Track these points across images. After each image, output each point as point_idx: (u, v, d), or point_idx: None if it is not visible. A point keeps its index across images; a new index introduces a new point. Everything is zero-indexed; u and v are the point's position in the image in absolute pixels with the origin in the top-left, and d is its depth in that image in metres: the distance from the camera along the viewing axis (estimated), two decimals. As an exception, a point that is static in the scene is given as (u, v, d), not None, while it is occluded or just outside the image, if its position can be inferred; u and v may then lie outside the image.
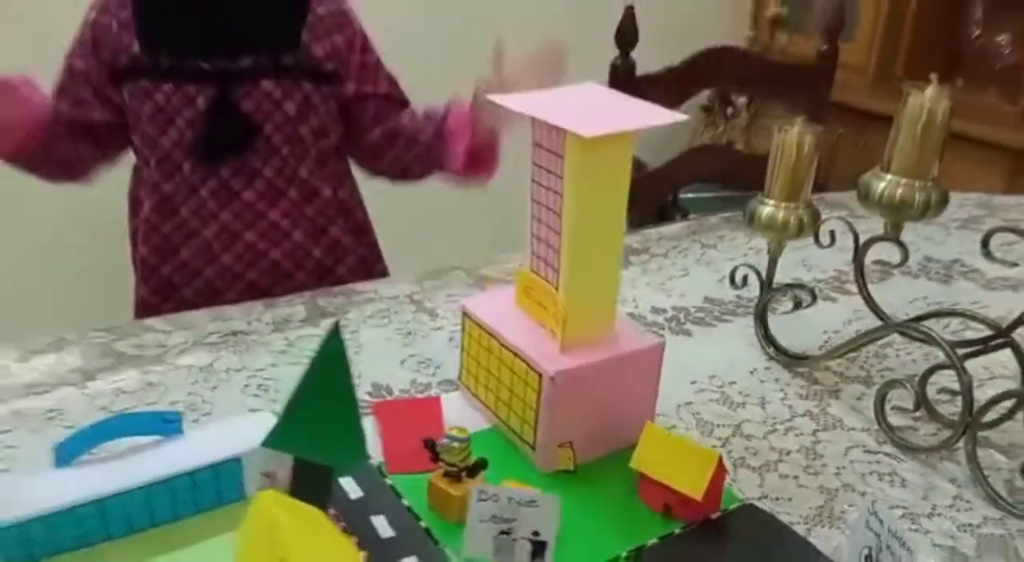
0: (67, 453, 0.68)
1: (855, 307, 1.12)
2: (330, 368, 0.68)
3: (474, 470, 0.73)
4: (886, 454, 0.85)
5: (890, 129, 0.87)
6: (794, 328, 1.05)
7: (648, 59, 1.45)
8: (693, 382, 0.96)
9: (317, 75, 1.15)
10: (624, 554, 0.70)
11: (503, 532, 0.64)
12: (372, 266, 1.32)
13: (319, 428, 0.68)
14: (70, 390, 0.87)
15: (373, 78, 1.22)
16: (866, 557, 0.63)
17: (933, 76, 0.83)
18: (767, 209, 0.96)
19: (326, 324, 1.04)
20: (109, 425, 0.70)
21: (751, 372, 0.99)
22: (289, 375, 0.94)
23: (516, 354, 0.79)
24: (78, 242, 2.02)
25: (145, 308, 1.21)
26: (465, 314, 0.87)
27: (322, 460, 0.68)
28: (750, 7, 2.85)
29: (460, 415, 0.86)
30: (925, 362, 0.99)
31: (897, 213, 0.86)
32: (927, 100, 0.83)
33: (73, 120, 1.14)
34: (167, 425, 0.72)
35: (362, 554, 0.60)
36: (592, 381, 0.78)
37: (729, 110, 2.72)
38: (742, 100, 2.70)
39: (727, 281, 1.12)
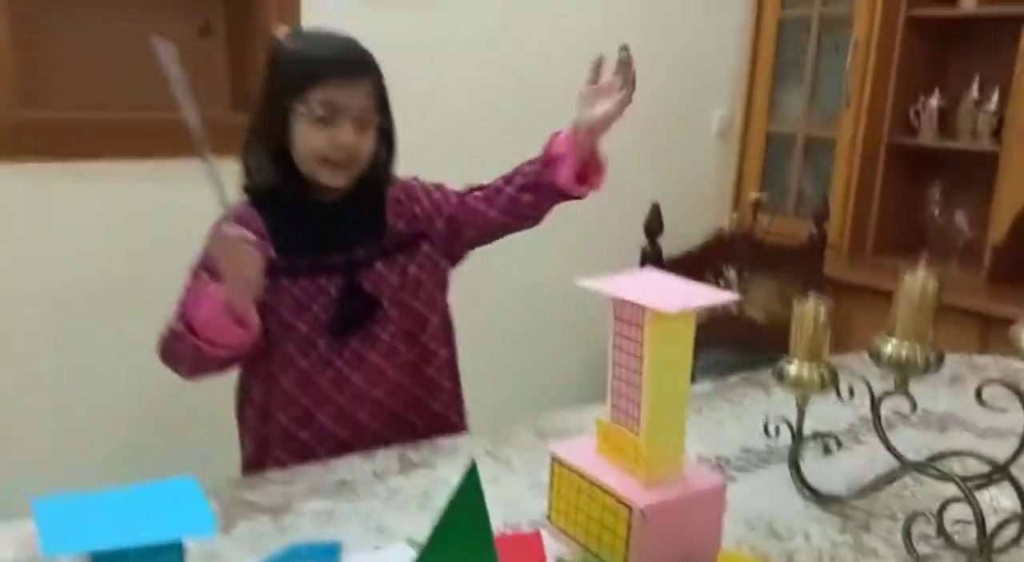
0: (251, 580, 0.82)
1: (870, 454, 1.29)
2: (468, 504, 0.83)
3: (583, 590, 0.87)
4: (918, 577, 1.00)
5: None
6: (821, 473, 1.21)
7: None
8: (746, 520, 1.11)
9: (409, 246, 1.39)
10: (716, 659, 0.83)
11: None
12: (462, 415, 1.51)
13: (458, 559, 0.83)
14: (219, 536, 1.01)
15: (448, 199, 1.44)
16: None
17: (923, 258, 1.05)
18: (793, 368, 1.16)
19: (420, 473, 1.20)
20: (284, 556, 0.84)
21: (792, 511, 1.15)
22: (398, 519, 1.08)
23: (607, 491, 0.95)
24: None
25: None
26: (554, 458, 1.03)
27: (463, 589, 0.82)
28: (731, 192, 3.19)
29: (551, 549, 1.00)
30: (934, 498, 1.15)
31: (904, 370, 1.06)
32: (919, 279, 1.04)
33: None
34: (329, 555, 0.86)
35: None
36: (673, 514, 0.94)
37: (721, 283, 2.98)
38: (732, 273, 2.97)
39: (756, 433, 1.30)
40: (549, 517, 1.05)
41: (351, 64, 1.30)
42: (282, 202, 1.34)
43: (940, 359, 1.05)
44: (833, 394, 1.15)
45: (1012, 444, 1.03)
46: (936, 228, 2.90)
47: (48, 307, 2.10)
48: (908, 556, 1.04)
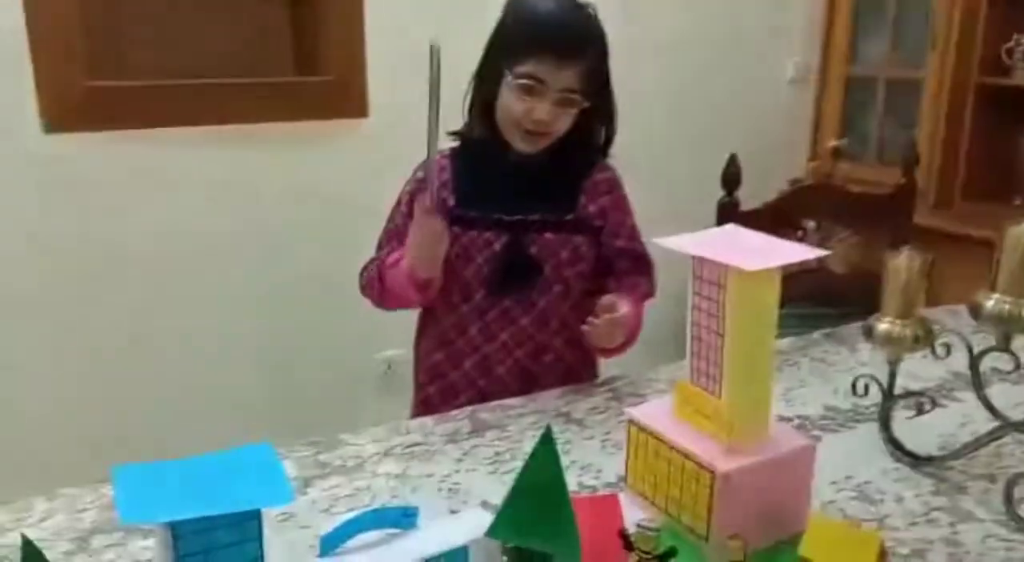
0: (330, 544, 0.82)
1: (964, 412, 1.23)
2: (544, 466, 0.81)
3: (664, 558, 0.85)
4: (1020, 541, 0.95)
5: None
6: (912, 433, 1.15)
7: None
8: (833, 483, 1.06)
9: (587, 229, 1.40)
10: (806, 629, 0.80)
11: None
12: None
13: (537, 520, 0.81)
14: (297, 496, 1.02)
15: (629, 235, 1.46)
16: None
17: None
18: (884, 325, 1.10)
19: (491, 434, 1.19)
20: (362, 519, 0.84)
21: (883, 472, 1.10)
22: (471, 479, 1.07)
23: (687, 456, 0.92)
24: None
25: (427, 406, 1.43)
26: (631, 422, 1.00)
27: (541, 549, 0.81)
28: (808, 140, 3.06)
29: (627, 514, 0.98)
30: (1040, 461, 1.09)
31: (1007, 326, 0.99)
32: (1025, 230, 0.97)
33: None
34: (407, 519, 0.85)
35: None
36: (757, 478, 0.90)
37: (799, 233, 2.88)
38: (811, 224, 2.86)
39: (841, 392, 1.24)
40: (625, 481, 1.03)
41: (566, 43, 1.30)
42: (477, 154, 1.40)
43: (1049, 314, 0.98)
44: (922, 351, 1.09)
45: None
46: (1029, 171, 2.74)
47: (136, 272, 2.15)
48: (1009, 520, 0.98)
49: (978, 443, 1.06)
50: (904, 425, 1.15)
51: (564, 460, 1.12)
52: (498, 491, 1.05)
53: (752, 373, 0.92)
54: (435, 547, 0.83)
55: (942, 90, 2.70)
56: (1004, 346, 1.01)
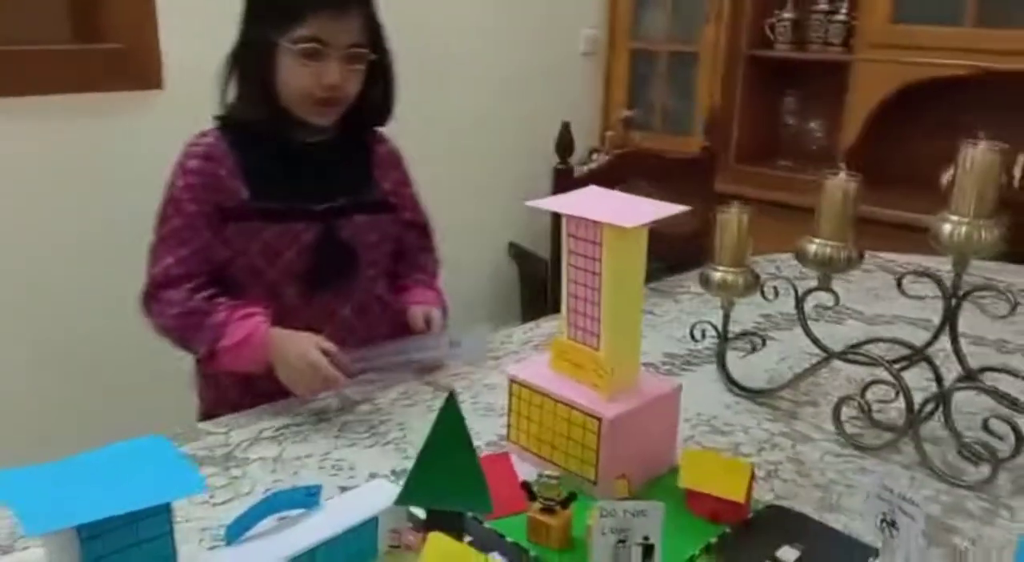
0: (236, 531, 0.78)
1: (780, 349, 1.39)
2: (450, 430, 0.83)
3: (566, 502, 0.89)
4: (850, 454, 1.09)
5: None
6: (740, 371, 1.28)
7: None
8: (687, 420, 1.16)
9: (388, 207, 1.35)
10: (697, 552, 0.87)
11: (620, 541, 0.80)
12: None
13: (447, 481, 0.82)
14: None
15: (413, 207, 1.43)
16: (882, 520, 0.85)
17: (842, 165, 1.11)
18: (718, 274, 1.20)
19: (359, 410, 1.17)
20: (266, 503, 0.80)
21: (726, 407, 1.21)
22: (352, 454, 1.06)
23: (572, 406, 0.97)
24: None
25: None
26: (512, 380, 1.03)
27: (455, 508, 0.82)
28: (600, 109, 3.23)
29: (519, 466, 1.02)
30: (849, 386, 1.26)
31: (828, 267, 1.12)
32: (841, 182, 1.10)
33: (195, 270, 1.23)
34: (310, 498, 0.83)
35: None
36: (636, 421, 0.97)
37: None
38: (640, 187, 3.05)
39: (675, 339, 1.35)
40: (508, 437, 1.06)
41: None
42: (262, 140, 1.25)
43: (860, 257, 1.12)
44: (752, 295, 1.21)
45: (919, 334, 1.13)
46: (792, 135, 3.07)
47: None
48: (839, 437, 1.12)
49: (807, 373, 1.20)
50: (733, 364, 1.28)
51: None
52: (382, 462, 1.05)
53: (626, 324, 0.99)
54: (344, 522, 0.82)
55: (717, 62, 2.95)
56: (826, 285, 1.15)
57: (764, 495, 0.99)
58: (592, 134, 3.15)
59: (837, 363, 1.22)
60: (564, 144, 1.57)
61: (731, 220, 1.19)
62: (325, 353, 1.14)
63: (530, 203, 0.99)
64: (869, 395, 1.15)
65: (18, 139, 1.94)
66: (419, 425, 1.14)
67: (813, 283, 1.16)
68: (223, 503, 0.95)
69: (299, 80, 1.21)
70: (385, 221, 1.35)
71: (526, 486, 0.89)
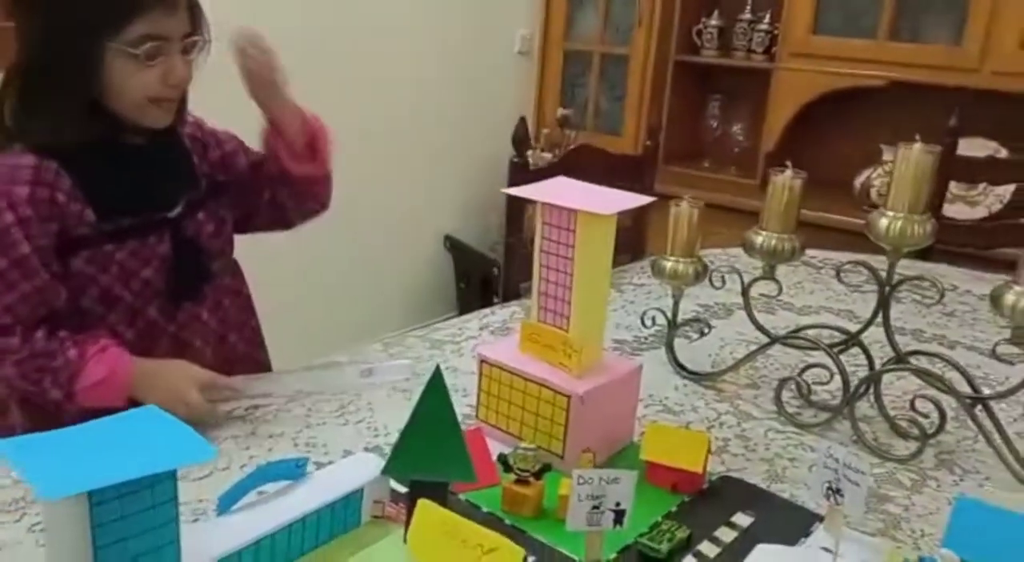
0: (228, 501, 0.80)
1: (720, 335, 1.47)
2: (436, 402, 0.87)
3: (539, 473, 0.94)
4: (791, 432, 1.17)
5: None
6: (685, 355, 1.36)
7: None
8: (641, 399, 1.22)
9: (218, 189, 1.26)
10: (660, 518, 0.93)
11: (594, 507, 0.85)
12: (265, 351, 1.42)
13: (432, 452, 0.86)
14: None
15: (247, 150, 1.32)
16: (828, 488, 0.92)
17: (788, 163, 1.19)
18: (669, 264, 1.27)
19: (308, 403, 1.19)
20: (256, 474, 0.82)
21: (675, 388, 1.28)
22: (323, 433, 1.08)
23: (542, 384, 1.02)
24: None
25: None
26: (484, 360, 1.08)
27: (439, 478, 0.86)
28: (535, 108, 3.30)
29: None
30: (784, 370, 1.34)
31: (773, 257, 1.21)
32: (787, 179, 1.18)
33: (28, 316, 1.08)
34: (298, 469, 0.85)
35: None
36: (603, 398, 1.02)
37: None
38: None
39: (623, 326, 1.42)
40: (477, 415, 1.10)
41: None
42: (91, 152, 1.11)
43: (802, 249, 1.21)
44: (700, 283, 1.28)
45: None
46: (716, 138, 3.20)
47: None
48: (779, 416, 1.21)
49: (751, 356, 1.28)
50: (679, 349, 1.35)
51: (411, 400, 1.17)
52: (355, 440, 1.07)
53: (594, 306, 1.04)
54: (332, 492, 0.84)
55: (647, 65, 3.05)
56: (771, 274, 1.23)
57: (716, 468, 1.06)
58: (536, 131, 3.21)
59: (772, 350, 1.31)
60: (520, 138, 1.63)
61: (683, 213, 1.26)
62: (207, 386, 1.09)
63: (507, 191, 1.03)
64: (806, 377, 1.24)
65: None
66: (387, 405, 1.17)
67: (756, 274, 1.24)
68: (201, 479, 0.96)
69: (139, 82, 1.08)
70: (218, 206, 1.26)
71: (502, 459, 0.94)
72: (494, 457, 0.98)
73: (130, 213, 1.13)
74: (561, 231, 1.01)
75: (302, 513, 0.82)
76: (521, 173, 1.59)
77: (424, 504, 0.79)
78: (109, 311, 1.14)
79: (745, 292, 1.26)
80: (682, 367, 1.33)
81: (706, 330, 1.32)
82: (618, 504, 0.86)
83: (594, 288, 1.03)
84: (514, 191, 1.02)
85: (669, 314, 1.32)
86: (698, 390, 1.29)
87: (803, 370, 1.25)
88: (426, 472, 0.86)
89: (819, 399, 1.24)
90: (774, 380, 1.27)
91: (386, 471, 0.86)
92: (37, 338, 1.07)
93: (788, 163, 1.18)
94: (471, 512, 0.93)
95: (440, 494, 0.87)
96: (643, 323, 1.34)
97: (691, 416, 1.20)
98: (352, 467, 0.89)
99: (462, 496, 0.95)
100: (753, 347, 1.31)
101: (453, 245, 2.94)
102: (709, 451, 1.01)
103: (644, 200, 1.04)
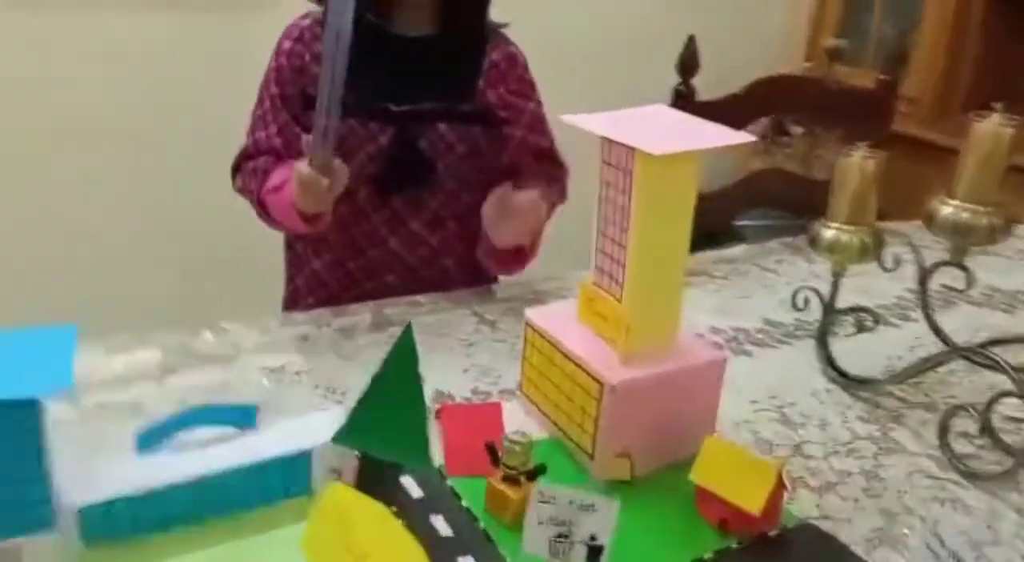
0: (148, 441, 0.71)
1: (917, 334, 1.11)
2: (401, 370, 0.71)
3: (533, 475, 0.75)
4: (950, 480, 0.85)
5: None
6: (856, 353, 1.04)
7: (703, 88, 1.48)
8: (753, 401, 0.96)
9: (487, 119, 1.21)
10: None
11: (561, 535, 0.65)
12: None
13: (387, 427, 0.71)
14: (150, 385, 0.92)
15: (531, 126, 1.25)
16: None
17: (997, 105, 0.83)
18: (830, 232, 0.97)
19: (392, 332, 1.08)
20: (188, 416, 0.73)
21: (812, 394, 0.99)
22: (355, 380, 0.96)
23: (578, 364, 0.81)
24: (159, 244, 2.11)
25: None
26: (528, 324, 0.89)
27: (388, 457, 0.71)
28: (805, 37, 2.84)
29: (520, 424, 0.88)
30: (990, 391, 0.98)
31: (963, 237, 0.86)
32: (992, 129, 0.83)
33: (280, 148, 1.20)
34: (243, 416, 0.75)
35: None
36: (652, 392, 0.79)
37: (784, 139, 2.70)
38: (799, 130, 2.68)
39: (788, 304, 1.12)
40: (521, 388, 0.92)
41: None
42: (357, 27, 1.07)
43: (1008, 227, 0.85)
44: (870, 262, 0.97)
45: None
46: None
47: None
48: (942, 455, 0.88)
49: (919, 368, 0.94)
50: (848, 345, 1.04)
51: (465, 363, 1.02)
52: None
53: (658, 275, 0.80)
54: (271, 450, 0.73)
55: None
56: (958, 260, 0.88)
57: (808, 509, 0.79)
58: (790, 64, 2.77)
59: (959, 365, 0.96)
60: (687, 61, 1.34)
61: (852, 167, 0.95)
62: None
63: (564, 117, 0.82)
64: (1000, 408, 0.89)
65: (139, 29, 1.97)
66: (444, 358, 1.02)
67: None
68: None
69: None
70: (480, 134, 1.20)
71: (490, 447, 0.76)
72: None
73: (360, 93, 1.10)
74: (620, 174, 0.78)
75: (229, 465, 0.71)
76: (685, 104, 1.32)
77: (333, 489, 0.65)
78: None
79: (923, 280, 0.93)
80: (834, 367, 1.03)
81: (869, 324, 1.00)
82: (594, 538, 0.65)
83: (661, 249, 0.79)
84: (571, 119, 0.81)
85: (828, 297, 1.02)
86: (843, 401, 0.98)
87: (995, 398, 0.89)
88: (377, 448, 0.71)
89: (1017, 441, 0.89)
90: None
91: (337, 438, 0.72)
92: (269, 161, 1.19)
93: (997, 104, 0.82)
94: (445, 502, 0.76)
95: (390, 477, 0.73)
96: (794, 304, 1.05)
97: (812, 433, 0.92)
98: (310, 425, 0.77)
99: (448, 482, 0.79)
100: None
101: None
102: (782, 487, 0.75)
103: (741, 138, 0.77)
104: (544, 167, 1.27)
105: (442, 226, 1.23)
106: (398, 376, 0.71)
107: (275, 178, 1.16)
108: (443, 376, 0.97)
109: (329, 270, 1.25)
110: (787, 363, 1.06)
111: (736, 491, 0.73)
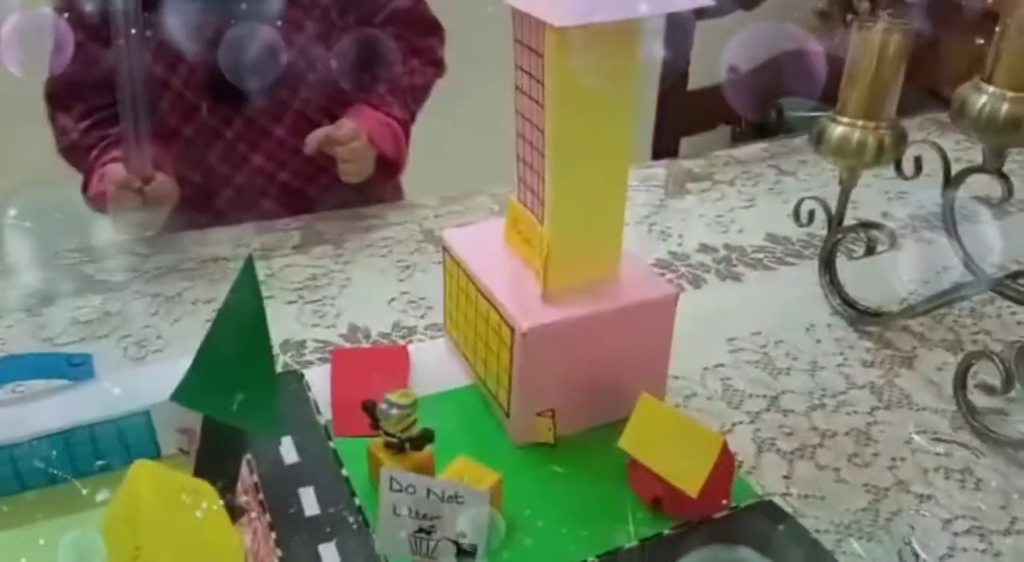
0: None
1: (940, 259, 0.91)
2: (242, 315, 0.57)
3: (419, 442, 0.61)
4: (961, 444, 0.67)
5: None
6: (872, 278, 0.86)
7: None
8: (731, 339, 0.79)
9: None
10: (590, 560, 0.56)
11: (422, 529, 0.51)
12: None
13: (231, 384, 0.57)
14: (20, 316, 0.80)
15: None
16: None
17: None
18: (840, 128, 0.77)
19: (318, 252, 0.93)
20: (24, 365, 0.61)
21: (806, 329, 0.82)
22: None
23: (491, 302, 0.65)
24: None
25: None
26: (445, 249, 0.73)
27: (230, 420, 0.58)
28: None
29: (441, 369, 0.74)
30: (1019, 332, 0.80)
31: (1000, 136, 0.66)
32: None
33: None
34: (75, 368, 0.63)
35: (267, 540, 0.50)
36: (578, 339, 0.64)
37: (850, 17, 2.39)
38: (865, 5, 2.37)
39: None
40: (445, 327, 0.78)
41: None
42: None
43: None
44: (887, 164, 0.77)
45: None
46: None
47: None
48: (956, 410, 0.71)
49: (939, 300, 0.76)
50: (863, 268, 0.85)
51: (394, 291, 0.87)
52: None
53: (587, 188, 0.63)
54: (101, 409, 0.61)
55: None
56: (995, 166, 0.68)
57: (772, 482, 0.64)
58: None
59: (987, 298, 0.77)
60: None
61: (871, 43, 0.74)
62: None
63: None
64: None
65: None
66: (370, 284, 0.88)
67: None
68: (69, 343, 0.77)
69: None
70: (330, 5, 0.99)
71: (368, 409, 0.62)
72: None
73: None
74: (534, 57, 0.60)
75: (44, 429, 0.59)
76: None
77: (139, 465, 0.52)
78: (161, 98, 0.96)
79: (948, 188, 0.73)
80: (839, 294, 0.85)
81: (883, 244, 0.80)
82: (464, 536, 0.51)
83: (587, 156, 0.61)
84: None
85: (834, 209, 0.83)
86: (847, 339, 0.81)
87: (1028, 343, 0.70)
88: (218, 410, 0.58)
89: (1053, 395, 0.71)
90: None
91: (175, 397, 0.59)
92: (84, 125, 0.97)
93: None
94: (321, 471, 0.62)
95: (234, 446, 0.59)
96: (797, 217, 0.86)
97: (796, 381, 0.75)
98: (155, 377, 0.64)
99: (332, 443, 0.66)
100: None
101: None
102: (727, 462, 0.59)
103: (691, 3, 0.57)
104: (408, 39, 1.05)
105: (311, 125, 1.00)
106: (240, 322, 0.57)
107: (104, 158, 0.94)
108: (363, 307, 0.83)
109: (196, 208, 1.01)
110: (784, 290, 0.88)
111: (671, 466, 0.58)
